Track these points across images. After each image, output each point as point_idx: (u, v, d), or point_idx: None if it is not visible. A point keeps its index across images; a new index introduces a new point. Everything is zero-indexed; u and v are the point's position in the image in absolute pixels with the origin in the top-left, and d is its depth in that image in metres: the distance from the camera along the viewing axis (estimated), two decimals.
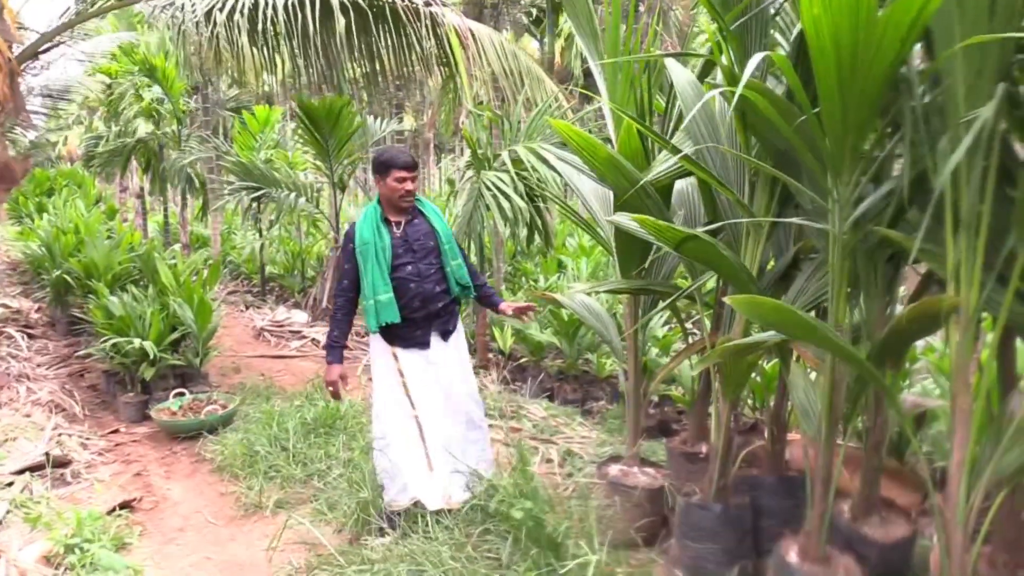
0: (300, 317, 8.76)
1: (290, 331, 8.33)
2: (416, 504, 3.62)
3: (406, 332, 3.63)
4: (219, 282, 10.65)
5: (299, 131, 8.67)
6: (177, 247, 11.02)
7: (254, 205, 9.69)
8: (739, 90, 2.04)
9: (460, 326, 3.87)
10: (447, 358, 3.72)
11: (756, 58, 2.14)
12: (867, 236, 2.54)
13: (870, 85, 2.06)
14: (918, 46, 2.24)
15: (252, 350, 7.82)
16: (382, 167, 3.56)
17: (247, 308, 9.94)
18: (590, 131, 4.01)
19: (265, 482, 4.34)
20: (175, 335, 5.86)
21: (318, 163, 8.85)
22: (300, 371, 6.96)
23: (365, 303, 3.61)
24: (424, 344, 3.66)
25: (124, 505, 4.15)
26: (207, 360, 6.13)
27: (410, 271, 3.61)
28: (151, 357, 5.57)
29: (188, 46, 5.87)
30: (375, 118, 9.16)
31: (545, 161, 3.87)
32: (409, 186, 3.57)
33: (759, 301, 2.16)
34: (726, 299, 2.18)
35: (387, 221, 3.64)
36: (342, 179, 8.70)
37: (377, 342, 3.71)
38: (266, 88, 10.06)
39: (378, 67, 6.37)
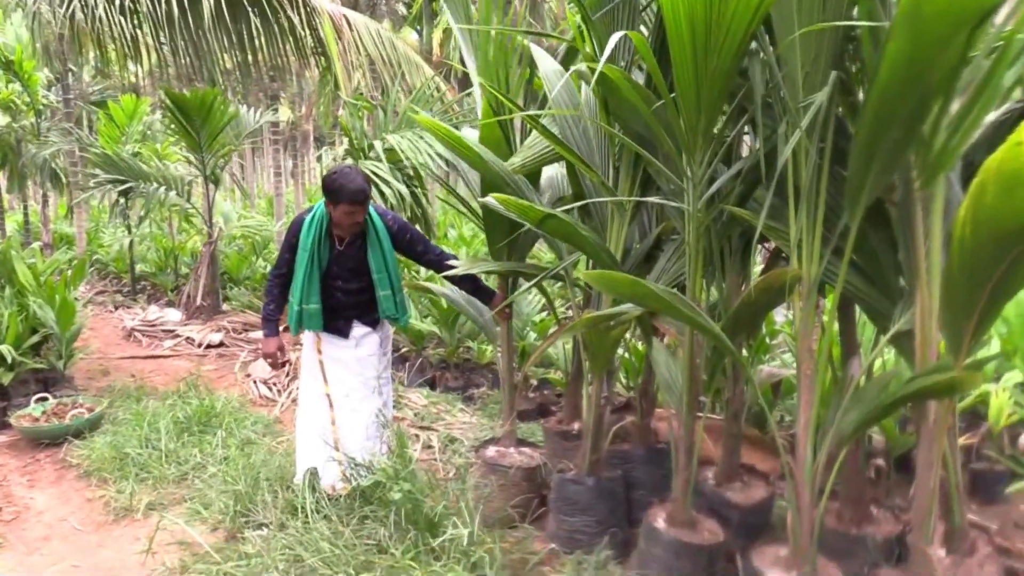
0: (174, 316, 8.43)
1: (163, 330, 8.00)
2: (313, 475, 3.64)
3: (328, 322, 3.68)
4: (86, 282, 10.14)
5: (169, 122, 8.34)
6: (37, 246, 10.40)
7: (122, 200, 9.26)
8: (599, 68, 2.12)
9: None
10: (369, 342, 3.74)
11: (616, 36, 2.24)
12: (720, 214, 2.68)
13: (721, 65, 2.19)
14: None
15: (122, 351, 7.47)
16: (331, 195, 3.40)
17: (116, 308, 9.48)
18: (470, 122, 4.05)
19: (136, 484, 4.17)
20: (35, 338, 5.56)
21: (189, 156, 8.55)
22: (174, 370, 6.71)
23: (291, 306, 3.61)
24: (344, 334, 3.71)
25: None
26: (72, 363, 5.83)
27: (340, 285, 3.64)
28: (9, 361, 5.26)
29: (44, 30, 5.56)
30: (248, 108, 8.89)
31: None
32: (358, 218, 3.46)
33: (613, 276, 2.25)
34: (580, 274, 2.26)
35: (331, 234, 3.58)
36: (215, 172, 8.45)
37: None
38: (132, 79, 9.60)
39: (251, 57, 6.20)
